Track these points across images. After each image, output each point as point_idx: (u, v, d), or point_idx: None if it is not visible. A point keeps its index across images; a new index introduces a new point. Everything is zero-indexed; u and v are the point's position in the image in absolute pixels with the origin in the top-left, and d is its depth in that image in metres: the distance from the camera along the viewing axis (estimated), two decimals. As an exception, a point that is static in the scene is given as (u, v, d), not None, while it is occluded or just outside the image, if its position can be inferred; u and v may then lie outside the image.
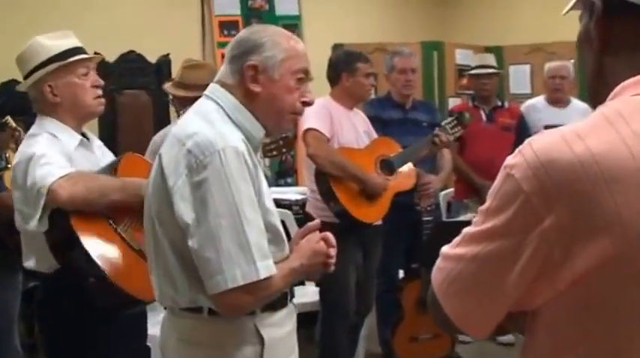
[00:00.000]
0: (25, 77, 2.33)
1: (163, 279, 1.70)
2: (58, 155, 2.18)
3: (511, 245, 0.93)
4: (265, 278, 1.60)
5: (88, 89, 2.33)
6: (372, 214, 3.52)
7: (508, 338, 4.50)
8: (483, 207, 0.99)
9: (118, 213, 2.20)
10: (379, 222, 3.58)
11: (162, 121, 4.91)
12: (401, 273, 4.15)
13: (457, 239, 1.03)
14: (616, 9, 0.98)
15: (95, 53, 2.85)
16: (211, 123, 1.66)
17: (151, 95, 4.86)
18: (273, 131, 1.82)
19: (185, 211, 1.58)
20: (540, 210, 0.90)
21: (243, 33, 1.79)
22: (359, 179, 3.48)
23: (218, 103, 1.72)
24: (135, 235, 2.20)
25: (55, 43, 2.31)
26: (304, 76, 1.77)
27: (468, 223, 3.62)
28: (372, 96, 5.77)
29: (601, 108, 0.96)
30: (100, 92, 2.38)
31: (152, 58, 4.97)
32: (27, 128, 3.51)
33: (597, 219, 0.88)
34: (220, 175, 1.57)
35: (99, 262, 2.06)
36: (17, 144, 2.78)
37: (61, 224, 2.09)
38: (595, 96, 1.06)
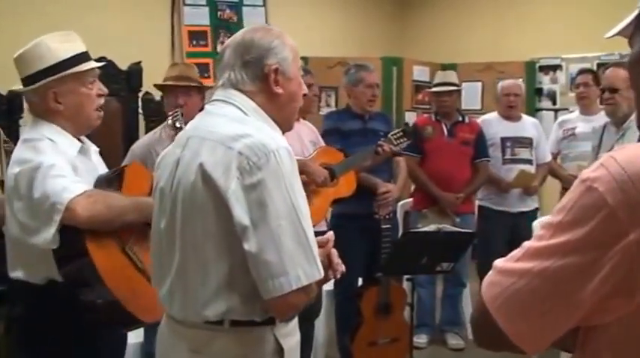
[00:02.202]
0: (26, 78, 2.15)
1: (194, 293, 1.58)
2: (67, 166, 2.03)
3: (588, 260, 0.87)
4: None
5: (93, 99, 2.18)
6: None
7: (458, 343, 4.53)
8: (553, 221, 0.92)
9: (125, 231, 2.07)
10: (322, 228, 3.52)
11: (131, 128, 4.83)
12: (360, 280, 4.12)
13: (516, 253, 0.96)
14: None
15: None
16: (253, 126, 1.60)
17: (120, 102, 4.74)
18: (286, 129, 1.76)
19: (242, 214, 1.49)
20: (625, 224, 0.85)
21: (246, 36, 1.70)
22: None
23: (240, 108, 1.66)
24: (139, 254, 2.09)
25: (62, 47, 2.13)
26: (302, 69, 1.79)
27: (433, 233, 3.57)
28: (329, 108, 5.79)
29: None
30: (102, 102, 2.23)
31: (123, 66, 4.85)
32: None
33: None
34: (277, 176, 1.50)
35: (109, 284, 1.93)
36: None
37: (74, 242, 1.94)
38: None
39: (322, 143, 3.77)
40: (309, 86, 3.64)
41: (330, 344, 4.14)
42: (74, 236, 1.94)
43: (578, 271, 0.88)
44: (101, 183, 2.15)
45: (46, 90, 2.12)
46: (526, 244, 0.95)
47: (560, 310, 0.91)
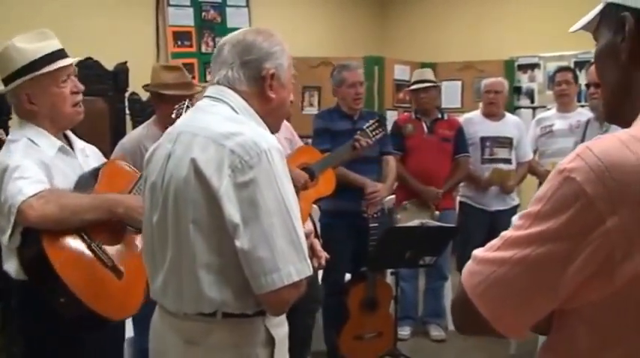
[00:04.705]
0: (3, 81, 2.14)
1: (188, 287, 1.59)
2: (34, 166, 2.02)
3: (567, 247, 0.90)
4: None
5: (67, 97, 2.15)
6: None
7: (439, 334, 4.58)
8: (531, 210, 0.94)
9: (93, 227, 2.06)
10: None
11: (118, 128, 4.79)
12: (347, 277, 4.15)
13: (495, 242, 0.98)
14: None
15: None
16: (245, 125, 1.60)
17: (107, 102, 4.71)
18: (273, 134, 1.76)
19: (233, 212, 1.49)
20: (603, 213, 0.87)
21: (248, 37, 1.70)
22: None
23: (232, 107, 1.66)
24: (109, 251, 2.08)
25: (33, 46, 2.10)
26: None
27: (417, 228, 3.58)
28: (312, 108, 5.77)
29: None
30: (79, 98, 2.20)
31: (109, 66, 4.83)
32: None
33: None
34: (269, 175, 1.51)
35: (69, 283, 1.92)
36: None
37: (32, 243, 1.95)
38: (615, 110, 1.04)
39: (298, 140, 3.73)
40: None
41: (317, 337, 4.15)
42: (32, 237, 1.95)
43: (557, 258, 0.90)
44: (79, 182, 2.15)
45: (19, 91, 2.11)
46: (505, 234, 0.97)
47: (540, 296, 0.94)
